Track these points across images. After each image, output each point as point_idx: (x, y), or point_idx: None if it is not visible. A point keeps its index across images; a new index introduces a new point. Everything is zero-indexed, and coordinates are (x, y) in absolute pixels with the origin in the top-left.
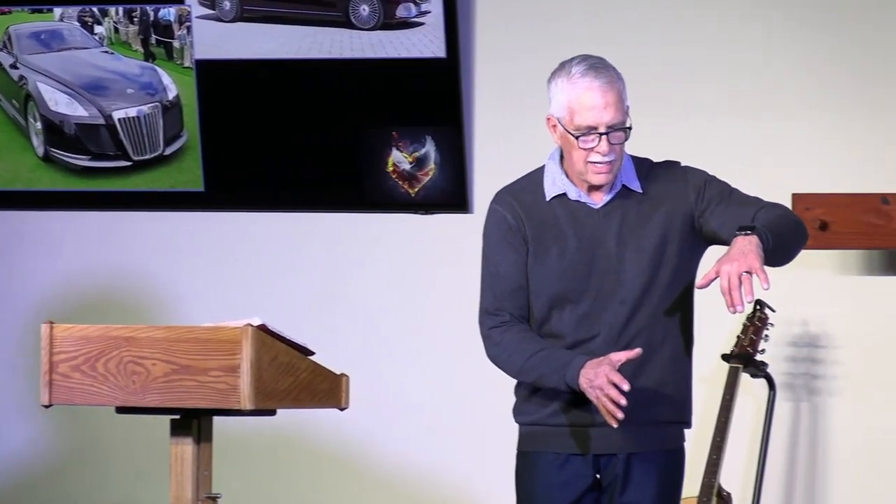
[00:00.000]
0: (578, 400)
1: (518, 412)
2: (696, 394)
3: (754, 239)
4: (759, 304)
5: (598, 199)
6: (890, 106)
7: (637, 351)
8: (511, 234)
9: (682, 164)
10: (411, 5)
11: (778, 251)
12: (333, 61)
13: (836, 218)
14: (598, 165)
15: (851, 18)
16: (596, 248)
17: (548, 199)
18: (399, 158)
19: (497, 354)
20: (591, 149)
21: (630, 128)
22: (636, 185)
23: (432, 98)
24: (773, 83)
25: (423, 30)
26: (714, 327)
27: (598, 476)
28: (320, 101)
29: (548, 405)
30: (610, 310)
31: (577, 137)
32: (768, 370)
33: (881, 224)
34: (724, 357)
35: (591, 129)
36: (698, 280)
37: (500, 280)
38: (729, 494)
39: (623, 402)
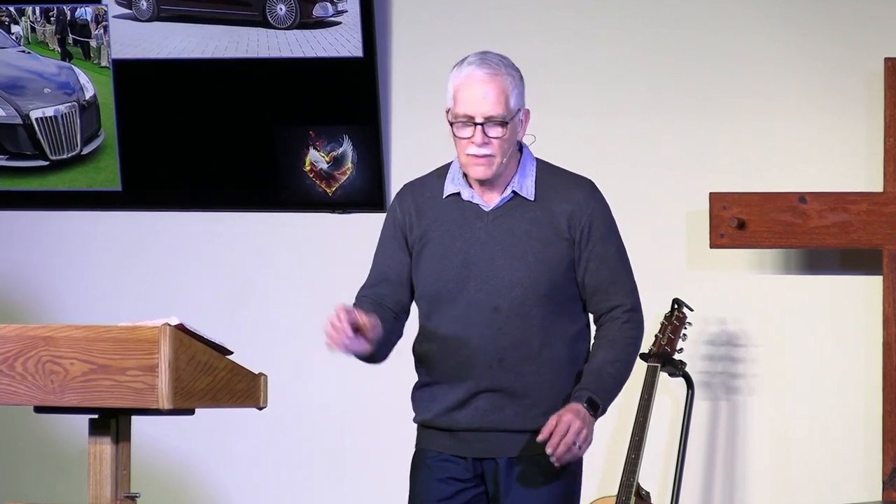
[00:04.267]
0: (462, 403)
1: (413, 409)
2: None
3: (590, 416)
4: (677, 303)
5: (490, 202)
6: (807, 105)
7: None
8: (396, 230)
9: (592, 186)
10: (328, 5)
11: (603, 412)
12: (250, 60)
13: (754, 217)
14: (476, 158)
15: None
16: (479, 252)
17: (444, 196)
18: (316, 158)
19: None
20: (468, 139)
21: (507, 123)
22: (529, 193)
23: (349, 97)
24: (691, 83)
25: (340, 29)
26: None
27: (481, 480)
28: (237, 100)
29: (433, 406)
30: (484, 316)
31: (452, 125)
32: (686, 369)
33: (798, 223)
34: (643, 356)
35: (468, 118)
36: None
37: (375, 268)
38: (648, 493)
39: (345, 333)
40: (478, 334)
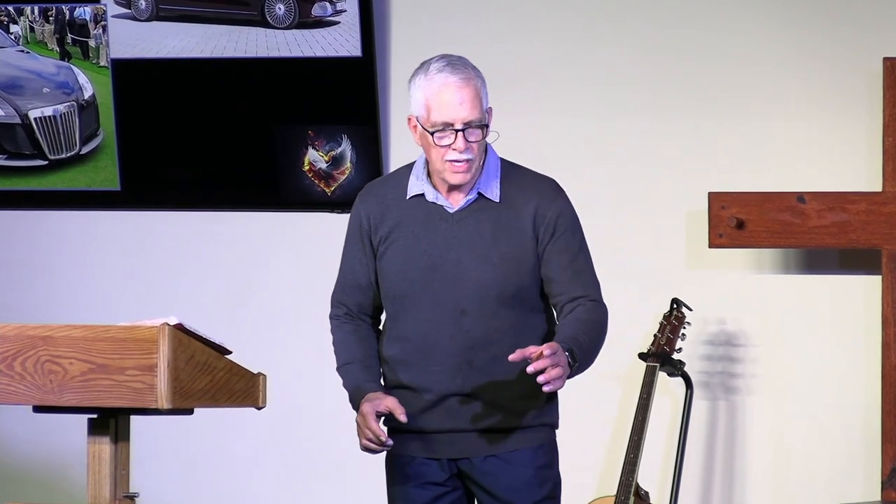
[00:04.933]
0: (432, 405)
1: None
2: (614, 393)
3: (565, 357)
4: (676, 302)
5: (455, 204)
6: (806, 105)
7: (396, 411)
8: (361, 234)
9: (556, 185)
10: (327, 4)
11: (576, 373)
12: (249, 60)
13: (753, 217)
14: (456, 164)
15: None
16: (444, 254)
17: (407, 197)
18: (315, 157)
19: (333, 344)
20: (448, 146)
21: (487, 126)
22: (494, 194)
23: (348, 97)
24: (691, 83)
25: (339, 28)
26: (631, 326)
27: (458, 481)
28: (236, 100)
29: (406, 409)
30: (450, 318)
31: (432, 134)
32: (685, 369)
33: (797, 223)
34: (641, 356)
35: (446, 126)
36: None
37: (345, 274)
38: (647, 493)
39: (382, 450)
40: (446, 336)
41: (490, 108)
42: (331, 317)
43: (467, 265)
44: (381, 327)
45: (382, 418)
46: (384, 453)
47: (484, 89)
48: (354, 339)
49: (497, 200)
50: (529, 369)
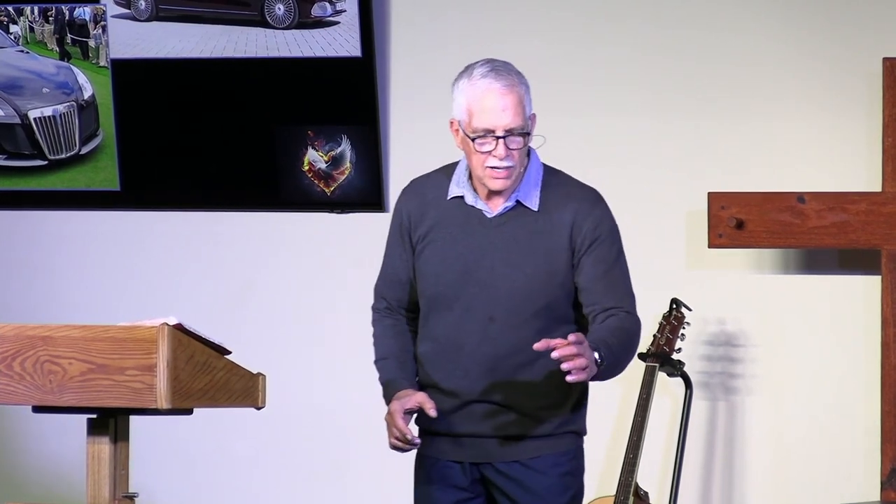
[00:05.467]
0: (457, 409)
1: (416, 412)
2: (613, 393)
3: (594, 356)
4: (676, 302)
5: (494, 208)
6: (806, 105)
7: (427, 406)
8: (402, 230)
9: (597, 195)
10: (326, 4)
11: (604, 375)
12: (249, 60)
13: (752, 217)
14: (497, 171)
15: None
16: (478, 259)
17: (448, 198)
18: (315, 157)
19: (372, 336)
20: (489, 153)
21: (528, 133)
22: (533, 202)
23: (348, 97)
24: (691, 83)
25: (339, 29)
26: None
27: (481, 487)
28: (236, 100)
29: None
30: (478, 324)
31: (473, 140)
32: (685, 369)
33: (797, 223)
34: (641, 356)
35: (488, 132)
36: (539, 343)
37: (388, 269)
38: (646, 493)
39: (410, 449)
40: (472, 342)
41: (533, 114)
42: (372, 308)
43: (500, 272)
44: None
45: (414, 416)
46: (414, 453)
47: (527, 96)
48: (392, 335)
49: (535, 209)
50: (554, 354)
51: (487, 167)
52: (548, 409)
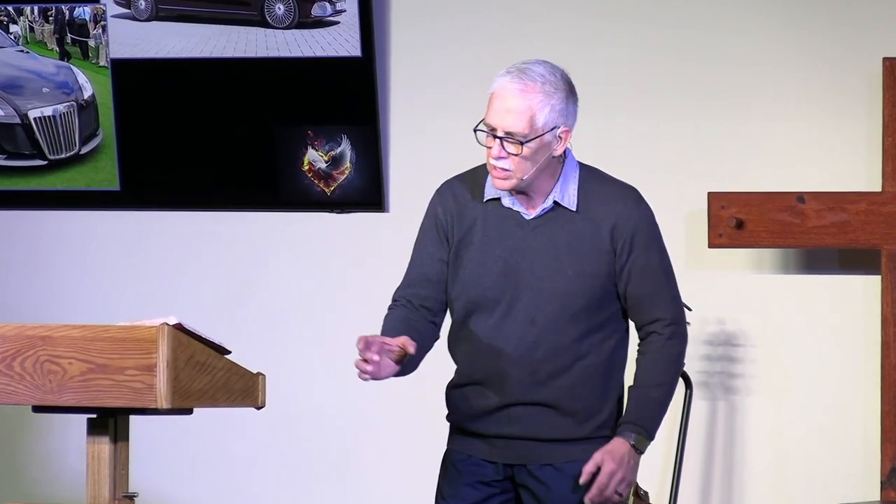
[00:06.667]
0: (493, 411)
1: (447, 407)
2: None
3: (635, 455)
4: None
5: (531, 211)
6: (806, 105)
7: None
8: (437, 229)
9: (637, 194)
10: (326, 4)
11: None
12: (249, 60)
13: (752, 216)
14: (495, 169)
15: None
16: (518, 262)
17: (484, 200)
18: (315, 157)
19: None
20: (490, 148)
21: (527, 142)
22: (570, 203)
23: (348, 97)
24: (691, 83)
25: (339, 28)
26: (630, 326)
27: (510, 484)
28: (236, 100)
29: (466, 409)
30: (519, 327)
31: (475, 130)
32: (685, 369)
33: (797, 223)
34: None
35: (490, 128)
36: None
37: (414, 266)
38: (646, 493)
39: (367, 368)
40: (512, 345)
41: (558, 127)
42: (392, 300)
43: (541, 275)
44: (446, 331)
45: (446, 415)
46: (443, 454)
47: (547, 107)
48: (400, 318)
49: (574, 210)
50: (581, 481)
51: (490, 161)
52: (585, 413)
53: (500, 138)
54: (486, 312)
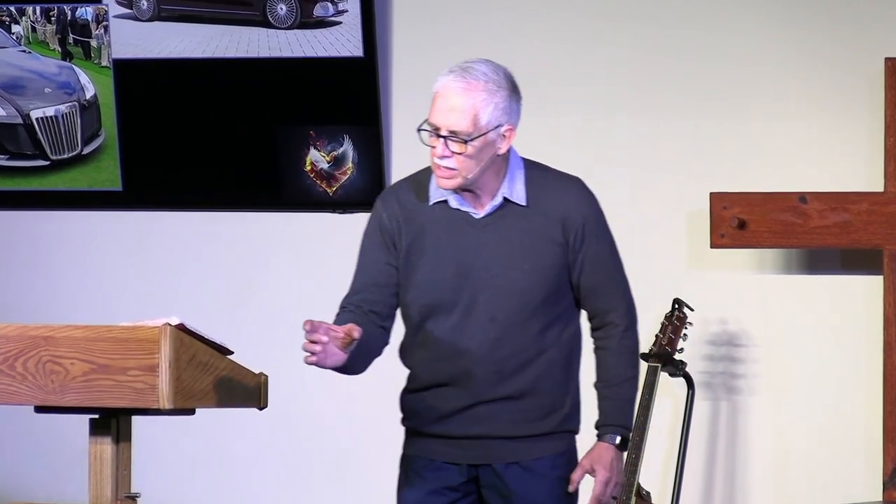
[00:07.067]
0: (458, 411)
1: (403, 414)
2: None
3: (621, 456)
4: (678, 303)
5: (480, 210)
6: (807, 105)
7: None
8: (382, 233)
9: (582, 185)
10: (328, 4)
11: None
12: (251, 60)
13: (754, 217)
14: (440, 168)
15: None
16: (472, 261)
17: (430, 203)
18: (317, 157)
19: None
20: (433, 148)
21: (470, 141)
22: (520, 198)
23: (350, 97)
24: (691, 83)
25: (341, 29)
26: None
27: (474, 486)
28: (238, 100)
29: (427, 413)
30: (480, 326)
31: (419, 130)
32: (687, 369)
33: (799, 223)
34: (643, 356)
35: (433, 128)
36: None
37: (361, 272)
38: (648, 493)
39: (315, 348)
40: (475, 344)
41: (501, 125)
42: (335, 315)
43: (496, 272)
44: (395, 338)
45: (401, 418)
46: (399, 456)
47: (491, 105)
48: (348, 321)
49: (524, 204)
50: (570, 489)
51: (433, 161)
52: (550, 406)
53: (444, 137)
54: (444, 315)
